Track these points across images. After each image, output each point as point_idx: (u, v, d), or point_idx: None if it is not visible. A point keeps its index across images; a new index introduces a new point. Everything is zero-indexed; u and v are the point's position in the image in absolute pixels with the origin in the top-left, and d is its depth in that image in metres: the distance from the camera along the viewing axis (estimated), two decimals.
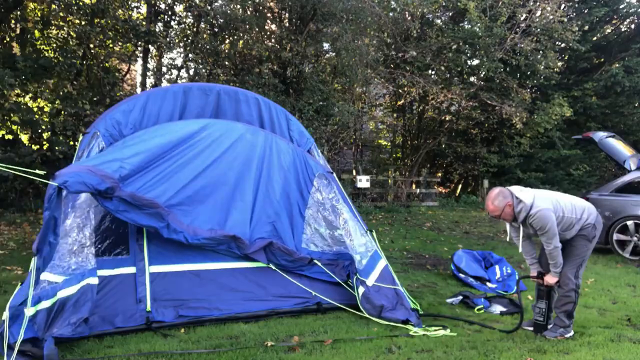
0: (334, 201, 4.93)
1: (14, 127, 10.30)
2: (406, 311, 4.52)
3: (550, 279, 4.22)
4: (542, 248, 4.34)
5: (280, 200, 4.82)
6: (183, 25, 13.30)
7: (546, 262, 4.29)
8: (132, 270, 4.22)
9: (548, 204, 4.08)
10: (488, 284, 5.93)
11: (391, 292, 4.62)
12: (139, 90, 13.76)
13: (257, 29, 12.60)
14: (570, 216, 4.16)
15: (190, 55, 12.65)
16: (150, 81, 13.19)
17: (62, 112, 10.69)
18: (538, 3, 15.59)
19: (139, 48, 12.42)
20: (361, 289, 4.63)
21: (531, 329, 4.40)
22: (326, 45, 13.75)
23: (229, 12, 11.94)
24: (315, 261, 4.75)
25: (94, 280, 3.84)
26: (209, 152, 4.55)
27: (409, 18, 14.86)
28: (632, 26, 19.63)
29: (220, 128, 4.70)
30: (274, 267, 4.61)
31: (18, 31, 11.59)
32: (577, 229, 4.19)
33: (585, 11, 18.57)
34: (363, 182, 14.43)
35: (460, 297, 5.27)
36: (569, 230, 4.19)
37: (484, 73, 16.16)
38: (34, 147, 10.43)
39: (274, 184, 4.81)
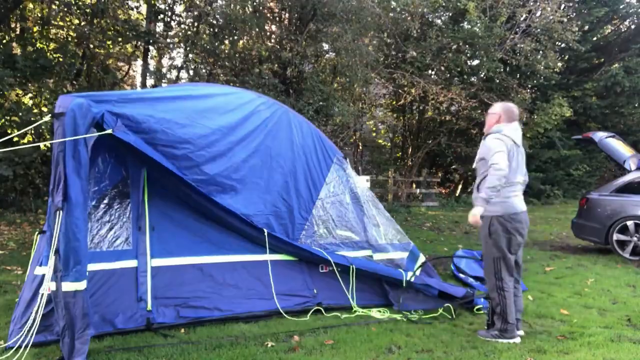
0: (354, 190, 4.99)
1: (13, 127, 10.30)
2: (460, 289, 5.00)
3: (475, 210, 3.93)
4: None
5: (282, 191, 4.71)
6: (183, 26, 13.31)
7: None
8: (133, 263, 4.12)
9: (505, 146, 3.96)
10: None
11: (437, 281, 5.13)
12: None
13: (257, 29, 12.60)
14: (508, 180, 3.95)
15: (190, 55, 12.66)
16: (150, 81, 13.19)
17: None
18: (538, 3, 15.60)
19: (139, 48, 12.42)
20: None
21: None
22: (326, 46, 13.74)
23: (229, 12, 11.94)
24: (318, 248, 4.76)
25: (77, 286, 3.36)
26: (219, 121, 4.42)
27: (409, 18, 14.86)
28: (632, 26, 19.66)
29: (233, 96, 4.62)
30: (266, 232, 4.48)
31: (18, 31, 11.59)
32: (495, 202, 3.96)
33: (585, 11, 18.58)
34: (363, 182, 14.41)
35: None
36: (479, 191, 4.03)
37: (484, 73, 16.16)
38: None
39: (278, 173, 4.69)
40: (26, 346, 3.31)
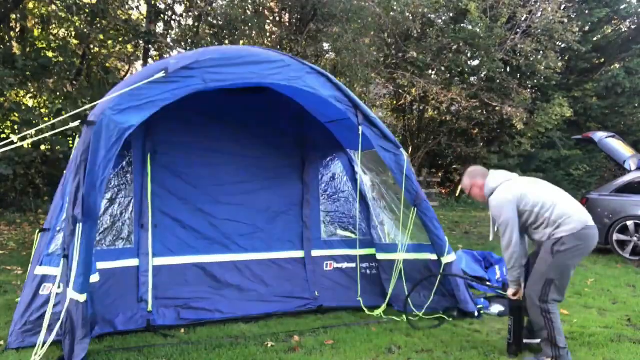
0: (361, 187, 4.94)
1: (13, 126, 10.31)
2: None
3: (509, 290, 3.71)
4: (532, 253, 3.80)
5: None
6: (183, 26, 13.30)
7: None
8: (135, 262, 4.10)
9: (510, 193, 3.55)
10: (488, 284, 5.92)
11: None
12: None
13: (257, 30, 12.59)
14: (541, 213, 3.51)
15: None
16: None
17: (63, 112, 10.69)
18: (539, 4, 15.60)
19: (139, 48, 12.42)
20: None
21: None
22: (326, 46, 13.74)
23: (229, 12, 11.94)
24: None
25: (80, 297, 3.22)
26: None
27: (410, 18, 14.86)
28: (633, 27, 19.63)
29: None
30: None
31: (18, 31, 11.59)
32: (548, 234, 3.51)
33: (586, 12, 18.57)
34: None
35: None
36: (537, 229, 3.56)
37: (484, 73, 16.15)
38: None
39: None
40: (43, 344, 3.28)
